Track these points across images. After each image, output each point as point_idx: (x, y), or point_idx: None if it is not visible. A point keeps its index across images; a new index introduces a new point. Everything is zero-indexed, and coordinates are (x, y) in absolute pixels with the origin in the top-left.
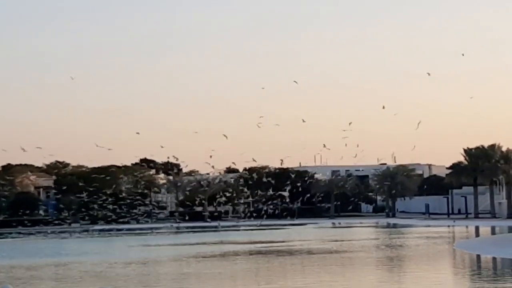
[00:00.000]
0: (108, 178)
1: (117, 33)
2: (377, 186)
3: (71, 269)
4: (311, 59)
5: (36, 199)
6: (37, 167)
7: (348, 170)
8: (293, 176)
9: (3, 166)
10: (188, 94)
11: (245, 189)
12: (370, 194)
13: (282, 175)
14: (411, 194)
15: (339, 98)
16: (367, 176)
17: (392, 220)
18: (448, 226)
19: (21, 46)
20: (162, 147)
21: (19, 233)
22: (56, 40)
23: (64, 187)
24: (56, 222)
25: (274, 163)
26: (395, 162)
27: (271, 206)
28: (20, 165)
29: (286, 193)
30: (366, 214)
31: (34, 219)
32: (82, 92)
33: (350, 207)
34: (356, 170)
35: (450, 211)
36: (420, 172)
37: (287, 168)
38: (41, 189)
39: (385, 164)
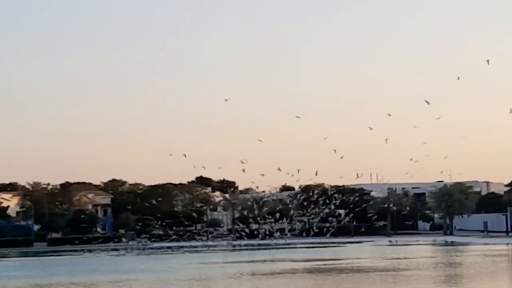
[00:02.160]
0: (164, 196)
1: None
2: (434, 203)
3: (130, 286)
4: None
5: (93, 217)
6: (95, 185)
7: (404, 188)
8: (349, 193)
9: (61, 184)
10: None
11: (301, 207)
12: (427, 211)
13: (337, 193)
14: (468, 212)
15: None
16: (424, 193)
17: (449, 238)
18: (507, 244)
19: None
20: (219, 168)
21: (77, 250)
22: None
23: (121, 205)
24: (114, 239)
25: (329, 181)
26: (452, 179)
27: (327, 224)
28: (78, 183)
29: (342, 211)
30: (423, 232)
31: (92, 237)
32: (142, 109)
33: (407, 225)
34: (412, 188)
35: (509, 229)
36: (478, 189)
37: (343, 186)
38: (99, 207)
39: (442, 181)
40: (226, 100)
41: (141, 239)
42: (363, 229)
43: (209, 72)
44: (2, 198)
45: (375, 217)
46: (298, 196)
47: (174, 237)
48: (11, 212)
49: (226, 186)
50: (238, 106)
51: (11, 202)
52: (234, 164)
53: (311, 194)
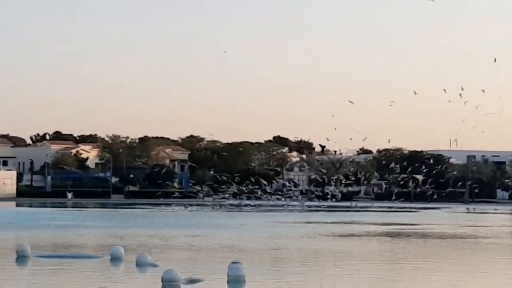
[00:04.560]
0: (241, 154)
1: None
2: None
3: (204, 241)
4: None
5: (170, 172)
6: (173, 141)
7: (484, 156)
8: (427, 159)
9: (140, 138)
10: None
11: (378, 171)
12: (506, 180)
13: (416, 158)
14: None
15: (478, 79)
16: (504, 162)
17: None
18: None
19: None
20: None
21: (153, 204)
22: None
23: (198, 161)
24: (189, 195)
25: (408, 145)
26: None
27: (404, 189)
28: (157, 137)
29: (419, 176)
30: (501, 201)
31: (168, 191)
32: (222, 66)
33: (485, 193)
34: (492, 156)
35: None
36: None
37: (422, 151)
38: (176, 162)
39: None
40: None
41: (216, 195)
42: (440, 195)
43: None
44: (81, 149)
45: (453, 184)
46: (375, 159)
47: (249, 195)
48: (90, 163)
49: (303, 146)
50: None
51: (91, 154)
52: (312, 125)
53: (389, 157)
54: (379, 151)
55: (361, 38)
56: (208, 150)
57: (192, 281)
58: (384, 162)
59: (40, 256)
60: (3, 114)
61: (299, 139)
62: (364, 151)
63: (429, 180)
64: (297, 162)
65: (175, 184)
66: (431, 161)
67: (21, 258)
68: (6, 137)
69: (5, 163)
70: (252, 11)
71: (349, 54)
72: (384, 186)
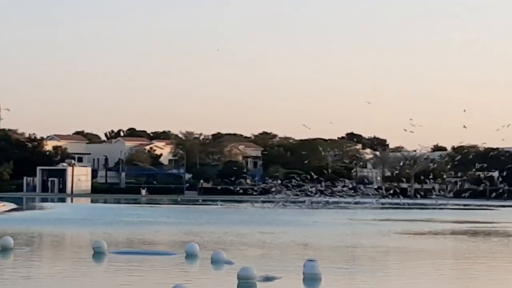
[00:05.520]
0: (314, 150)
1: None
2: None
3: (277, 238)
4: None
5: (243, 168)
6: (246, 137)
7: None
8: (503, 156)
9: (213, 135)
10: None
11: (452, 168)
12: None
13: (491, 155)
14: None
15: None
16: None
17: None
18: None
19: None
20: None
21: (226, 200)
22: None
23: (271, 158)
24: (262, 192)
25: (484, 142)
26: None
27: (479, 186)
28: (230, 134)
29: (495, 174)
30: None
31: (241, 188)
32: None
33: None
34: None
35: None
36: None
37: (497, 148)
38: (249, 159)
39: None
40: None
41: (289, 192)
42: None
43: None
44: (155, 146)
45: None
46: (450, 156)
47: (322, 192)
48: (164, 160)
49: (376, 143)
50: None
51: (164, 150)
52: (386, 121)
53: (464, 154)
54: (453, 148)
55: (437, 39)
56: (281, 146)
57: (268, 278)
58: (459, 159)
59: (116, 253)
60: (79, 111)
61: (372, 136)
62: (438, 148)
63: (505, 178)
64: (370, 159)
65: (248, 181)
66: (508, 158)
67: (97, 254)
68: (81, 133)
69: (80, 160)
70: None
71: (425, 55)
72: (458, 183)
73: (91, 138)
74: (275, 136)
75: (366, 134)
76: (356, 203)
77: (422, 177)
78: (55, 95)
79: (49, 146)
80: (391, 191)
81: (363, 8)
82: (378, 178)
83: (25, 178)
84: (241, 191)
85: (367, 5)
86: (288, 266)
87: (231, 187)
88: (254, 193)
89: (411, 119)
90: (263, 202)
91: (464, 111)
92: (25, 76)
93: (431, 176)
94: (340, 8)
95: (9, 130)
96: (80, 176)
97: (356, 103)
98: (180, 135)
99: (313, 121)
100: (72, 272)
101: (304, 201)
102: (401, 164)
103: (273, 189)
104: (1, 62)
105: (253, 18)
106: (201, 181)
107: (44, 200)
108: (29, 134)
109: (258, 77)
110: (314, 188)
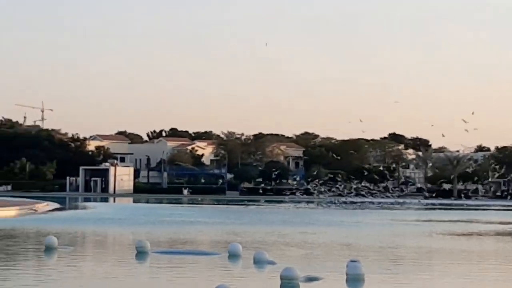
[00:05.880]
0: (356, 151)
1: None
2: None
3: (319, 238)
4: None
5: (285, 169)
6: (287, 137)
7: None
8: None
9: (254, 135)
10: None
11: (496, 169)
12: None
13: None
14: None
15: None
16: None
17: None
18: None
19: None
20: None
21: (268, 201)
22: None
23: (313, 158)
24: (304, 192)
25: None
26: None
27: None
28: (271, 134)
29: None
30: None
31: (283, 188)
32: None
33: None
34: None
35: None
36: None
37: None
38: (290, 159)
39: None
40: None
41: (331, 193)
42: None
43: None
44: (197, 146)
45: None
46: (494, 157)
47: (364, 192)
48: (205, 160)
49: (419, 144)
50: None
51: (206, 151)
52: (428, 122)
53: (508, 155)
54: (497, 149)
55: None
56: (323, 147)
57: (310, 279)
58: (503, 159)
59: (159, 252)
60: (121, 111)
61: (415, 136)
62: (481, 148)
63: None
64: (413, 159)
65: (290, 181)
66: None
67: (140, 254)
68: (123, 133)
69: (122, 160)
70: None
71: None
72: (502, 183)
73: (133, 138)
74: (316, 136)
75: (409, 135)
76: (399, 203)
77: (465, 178)
78: (98, 96)
79: (91, 146)
80: (434, 192)
81: (406, 7)
82: (421, 178)
83: (68, 178)
84: (284, 191)
85: (408, 3)
86: (331, 266)
87: (273, 187)
88: (296, 193)
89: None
90: (305, 202)
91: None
92: (68, 76)
93: (475, 178)
94: (387, 7)
95: (52, 130)
96: (122, 176)
97: (398, 104)
98: (221, 135)
99: (355, 121)
100: (116, 272)
101: (345, 202)
102: (444, 164)
103: (314, 190)
104: (45, 63)
105: (294, 20)
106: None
107: (86, 200)
108: (72, 134)
109: (300, 78)
110: (356, 189)
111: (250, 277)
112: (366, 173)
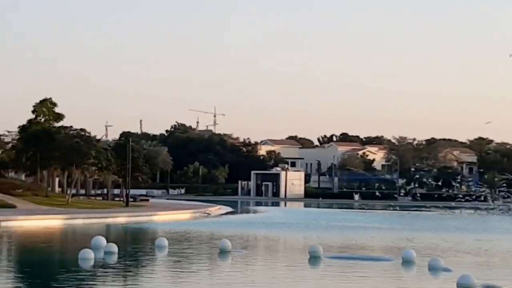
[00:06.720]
0: None
1: None
2: None
3: (495, 245)
4: None
5: (458, 174)
6: (460, 142)
7: None
8: None
9: (427, 140)
10: None
11: None
12: None
13: None
14: None
15: None
16: None
17: None
18: None
19: None
20: None
21: (440, 207)
22: None
23: (487, 164)
24: (478, 198)
25: None
26: None
27: None
28: (444, 139)
29: None
30: None
31: (457, 194)
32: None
33: None
34: None
35: None
36: None
37: None
38: (464, 165)
39: None
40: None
41: (507, 199)
42: None
43: None
44: (368, 151)
45: None
46: None
47: None
48: (377, 165)
49: None
50: None
51: (377, 156)
52: None
53: None
54: None
55: None
56: (498, 152)
57: (488, 287)
58: None
59: (332, 257)
60: (292, 116)
61: None
62: None
63: None
64: None
65: (463, 187)
66: None
67: (313, 258)
68: (294, 138)
69: (293, 164)
70: None
71: None
72: None
73: (303, 143)
74: (491, 141)
75: None
76: None
77: None
78: (269, 101)
79: (262, 150)
80: None
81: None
82: None
83: (239, 182)
84: (457, 197)
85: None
86: (508, 274)
87: (446, 193)
88: (469, 199)
89: None
90: (479, 208)
91: None
92: (241, 83)
93: None
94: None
95: (224, 134)
96: (293, 181)
97: None
98: (393, 140)
99: None
100: (289, 276)
101: None
102: None
103: (489, 196)
104: (217, 69)
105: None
106: (414, 185)
107: (258, 204)
108: (244, 139)
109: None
110: None
111: (424, 284)
112: None
